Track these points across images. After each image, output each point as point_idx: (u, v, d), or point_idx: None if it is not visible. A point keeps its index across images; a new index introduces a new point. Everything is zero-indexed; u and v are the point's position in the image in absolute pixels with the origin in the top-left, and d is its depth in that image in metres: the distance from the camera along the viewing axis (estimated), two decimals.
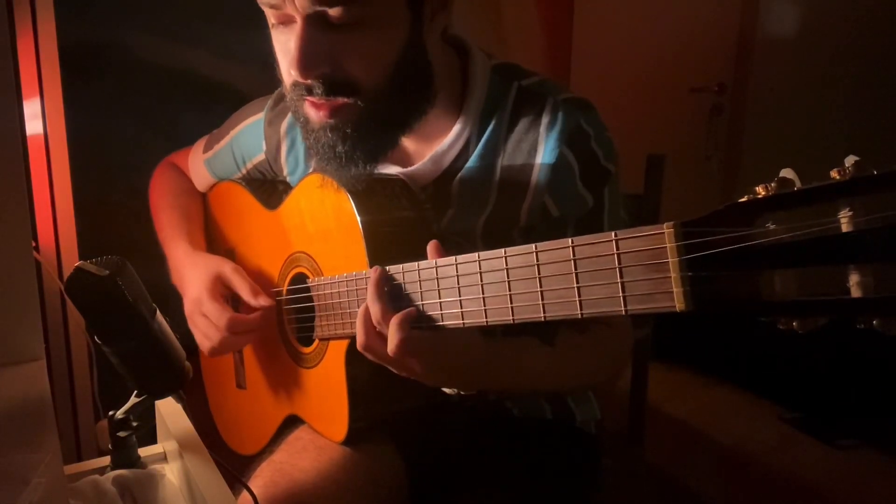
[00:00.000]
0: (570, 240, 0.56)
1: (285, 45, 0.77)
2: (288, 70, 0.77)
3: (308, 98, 0.78)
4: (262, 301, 0.93)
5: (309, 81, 0.76)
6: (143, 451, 0.78)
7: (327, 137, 0.80)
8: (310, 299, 0.89)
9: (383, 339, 0.70)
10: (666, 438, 2.08)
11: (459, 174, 0.87)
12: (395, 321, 0.68)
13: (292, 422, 0.98)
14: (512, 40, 2.42)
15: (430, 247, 0.69)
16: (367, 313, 0.72)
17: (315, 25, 0.73)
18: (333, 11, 0.72)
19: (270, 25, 0.79)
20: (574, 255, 0.56)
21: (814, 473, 1.92)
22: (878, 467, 1.95)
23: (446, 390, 0.77)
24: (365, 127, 0.79)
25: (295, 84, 0.78)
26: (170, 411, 0.79)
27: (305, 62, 0.74)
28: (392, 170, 0.89)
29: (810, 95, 2.57)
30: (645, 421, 1.29)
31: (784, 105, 2.66)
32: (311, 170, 0.94)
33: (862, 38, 2.43)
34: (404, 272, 0.71)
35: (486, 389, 0.78)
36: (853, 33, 2.45)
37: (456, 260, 0.66)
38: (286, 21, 0.76)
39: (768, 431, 2.14)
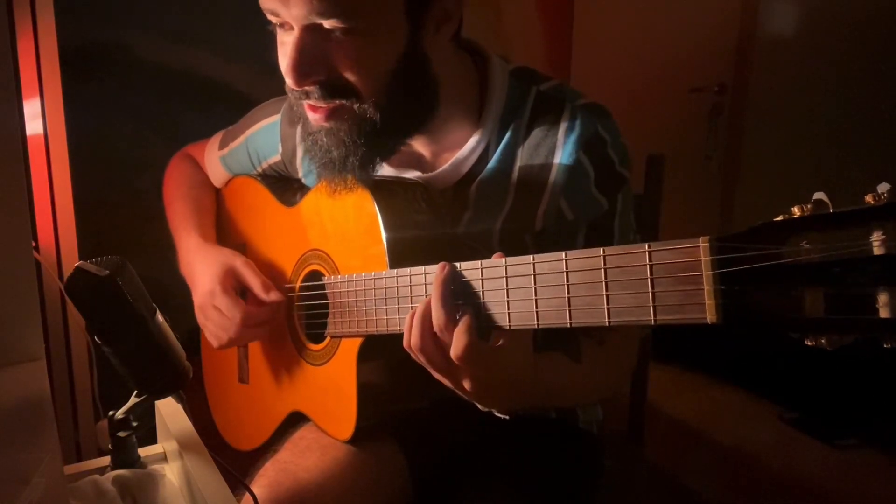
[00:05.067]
0: (601, 249, 0.57)
1: (285, 49, 0.78)
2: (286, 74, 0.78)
3: (306, 102, 0.79)
4: (273, 296, 0.93)
5: (304, 89, 0.77)
6: (143, 451, 0.78)
7: (323, 141, 0.81)
8: (323, 297, 0.89)
9: (438, 341, 0.68)
10: (666, 438, 2.07)
11: (478, 178, 0.87)
12: (460, 326, 0.66)
13: (294, 419, 0.98)
14: (512, 40, 2.42)
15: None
16: (426, 313, 0.69)
17: (311, 35, 0.74)
18: (328, 23, 0.72)
19: (272, 26, 0.80)
20: (605, 265, 0.56)
21: (814, 473, 1.92)
22: (878, 467, 1.95)
23: (481, 408, 0.75)
24: (360, 133, 0.79)
25: (293, 88, 0.79)
26: (170, 411, 0.79)
27: (300, 71, 0.75)
28: (411, 174, 0.89)
29: (810, 96, 2.57)
30: (645, 421, 1.29)
31: (784, 105, 2.66)
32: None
33: (862, 38, 2.43)
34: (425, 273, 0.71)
35: (523, 409, 0.77)
36: (853, 33, 2.45)
37: (481, 265, 0.66)
38: (285, 26, 0.77)
39: (768, 431, 2.13)
